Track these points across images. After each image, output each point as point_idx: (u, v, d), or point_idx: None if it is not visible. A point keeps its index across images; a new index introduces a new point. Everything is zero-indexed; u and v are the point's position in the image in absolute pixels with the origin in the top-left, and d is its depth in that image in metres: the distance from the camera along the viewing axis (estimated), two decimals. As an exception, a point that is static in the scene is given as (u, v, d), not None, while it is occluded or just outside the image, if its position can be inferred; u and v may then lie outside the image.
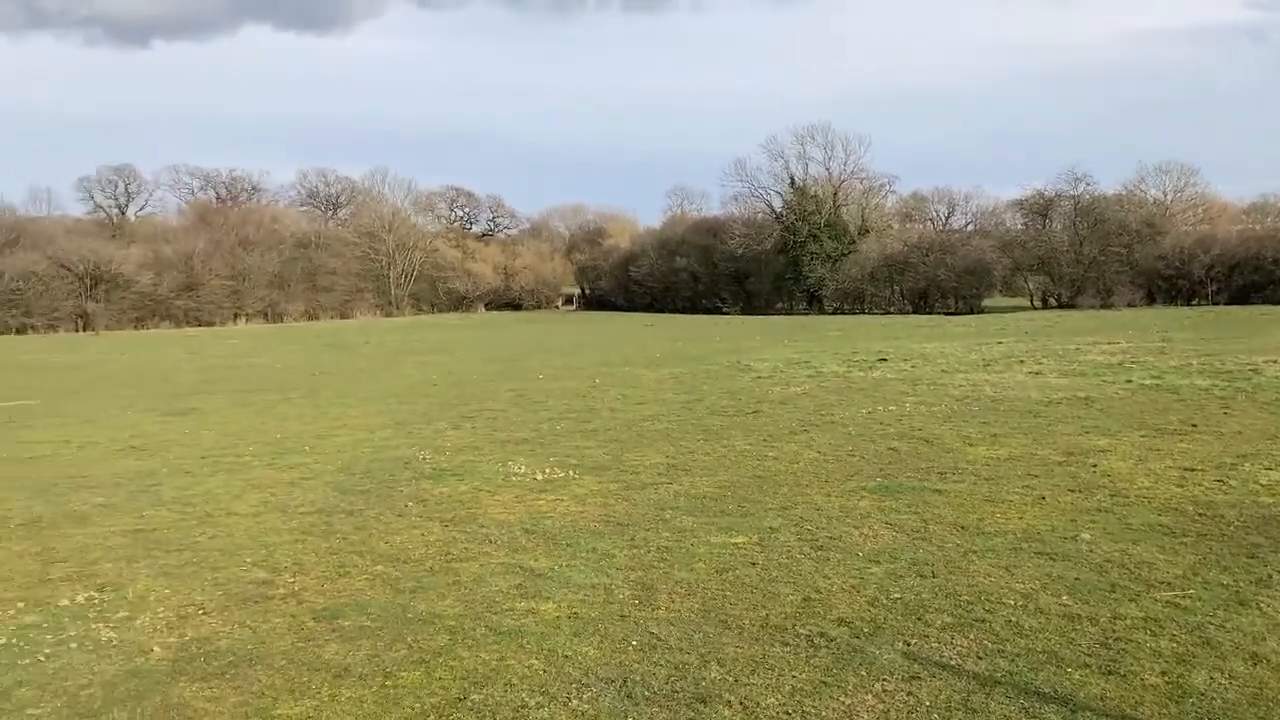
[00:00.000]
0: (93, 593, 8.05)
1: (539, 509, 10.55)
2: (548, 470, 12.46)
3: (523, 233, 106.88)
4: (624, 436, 15.07)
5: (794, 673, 6.11)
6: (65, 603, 7.82)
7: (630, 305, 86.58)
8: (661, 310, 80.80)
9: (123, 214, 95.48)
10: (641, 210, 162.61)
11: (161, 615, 7.48)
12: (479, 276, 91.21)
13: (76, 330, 64.55)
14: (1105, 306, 62.61)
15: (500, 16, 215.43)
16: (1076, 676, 5.94)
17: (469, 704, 5.81)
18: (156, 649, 6.80)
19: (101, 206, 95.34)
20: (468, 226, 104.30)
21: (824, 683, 5.96)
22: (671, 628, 6.91)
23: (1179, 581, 7.60)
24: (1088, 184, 71.02)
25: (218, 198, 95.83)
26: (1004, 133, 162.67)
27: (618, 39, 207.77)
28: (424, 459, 13.62)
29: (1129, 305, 63.00)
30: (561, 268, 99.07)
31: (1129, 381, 19.62)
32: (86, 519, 10.65)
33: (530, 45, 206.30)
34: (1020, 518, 9.59)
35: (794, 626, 6.87)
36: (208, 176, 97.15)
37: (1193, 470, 11.37)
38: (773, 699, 5.77)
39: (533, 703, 5.80)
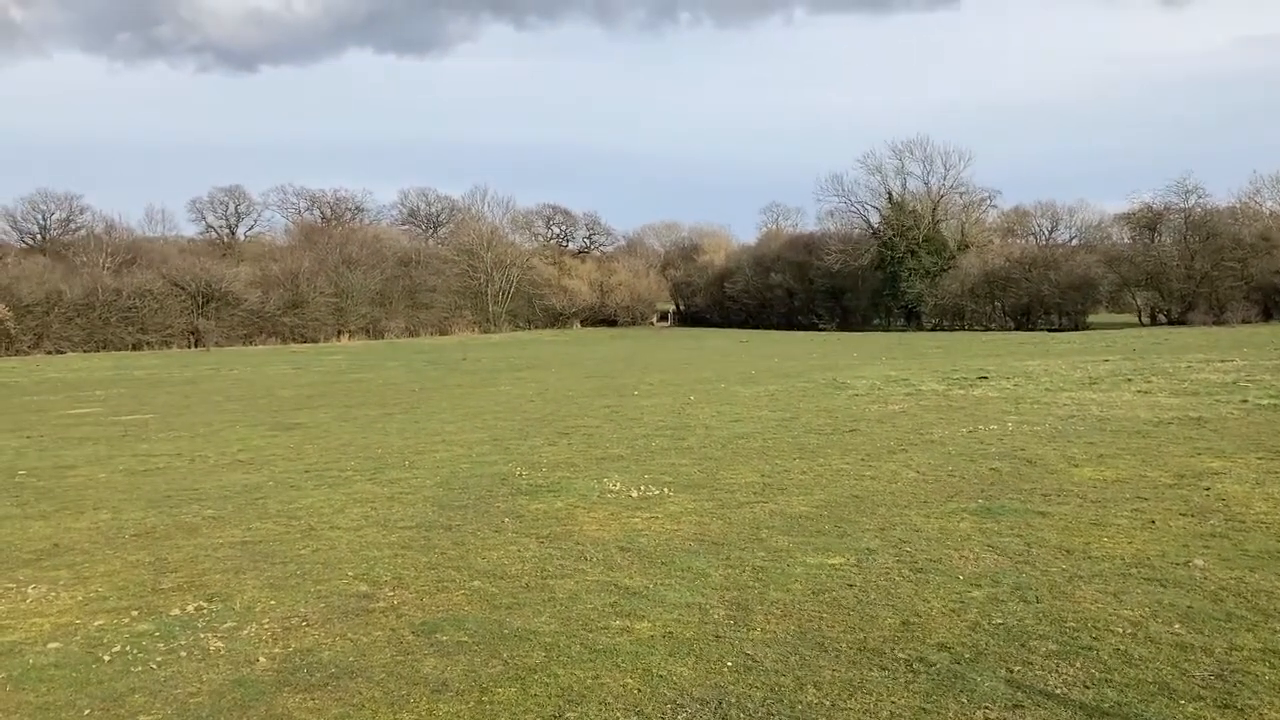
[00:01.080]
0: (202, 602, 8.29)
1: (634, 526, 10.55)
2: (642, 487, 12.46)
3: (618, 250, 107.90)
4: (719, 454, 15.01)
5: (892, 698, 5.99)
6: (176, 612, 8.06)
7: (725, 322, 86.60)
8: (756, 326, 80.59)
9: (233, 234, 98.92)
10: (736, 226, 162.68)
11: (267, 626, 7.66)
12: (575, 293, 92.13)
13: (188, 346, 66.83)
14: (1218, 323, 60.49)
15: (594, 36, 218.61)
16: (1190, 709, 5.71)
17: (564, 722, 5.83)
18: (262, 659, 6.98)
19: (213, 226, 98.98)
20: (564, 244, 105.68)
21: (923, 709, 5.83)
22: (767, 649, 6.84)
23: (1300, 612, 7.26)
24: (1199, 196, 68.87)
25: (323, 217, 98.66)
26: (1108, 145, 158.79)
27: (711, 56, 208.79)
28: (520, 475, 13.75)
29: (1243, 322, 60.77)
30: (656, 284, 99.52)
31: (1244, 401, 18.87)
32: (196, 530, 10.99)
33: (623, 64, 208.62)
34: (1129, 542, 9.28)
35: (892, 650, 6.74)
36: (313, 197, 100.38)
37: (1315, 495, 10.88)
38: (870, 725, 5.66)
39: (627, 722, 5.80)
